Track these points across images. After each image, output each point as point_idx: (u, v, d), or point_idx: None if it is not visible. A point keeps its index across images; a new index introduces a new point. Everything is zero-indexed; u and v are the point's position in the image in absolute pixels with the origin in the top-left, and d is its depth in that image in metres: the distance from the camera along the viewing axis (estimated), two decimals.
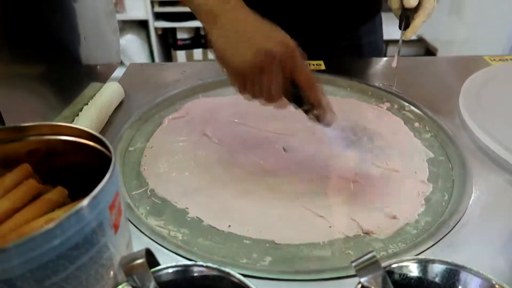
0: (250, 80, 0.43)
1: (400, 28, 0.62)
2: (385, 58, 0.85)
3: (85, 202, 0.25)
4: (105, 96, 0.62)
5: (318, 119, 0.47)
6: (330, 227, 0.44)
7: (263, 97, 0.44)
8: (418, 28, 0.59)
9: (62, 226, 0.24)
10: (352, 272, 0.37)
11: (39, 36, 0.53)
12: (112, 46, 0.73)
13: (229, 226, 0.44)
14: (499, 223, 0.44)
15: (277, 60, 0.41)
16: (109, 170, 0.27)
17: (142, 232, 0.42)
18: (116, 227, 0.28)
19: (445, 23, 2.39)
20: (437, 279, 0.29)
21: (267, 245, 0.42)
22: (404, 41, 0.63)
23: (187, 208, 0.47)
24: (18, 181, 0.31)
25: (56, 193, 0.32)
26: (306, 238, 0.42)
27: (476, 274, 0.28)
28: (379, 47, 0.92)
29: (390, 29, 0.89)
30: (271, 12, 0.74)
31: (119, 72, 0.78)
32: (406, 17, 0.60)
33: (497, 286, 0.26)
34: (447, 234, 0.41)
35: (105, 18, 0.70)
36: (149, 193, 0.49)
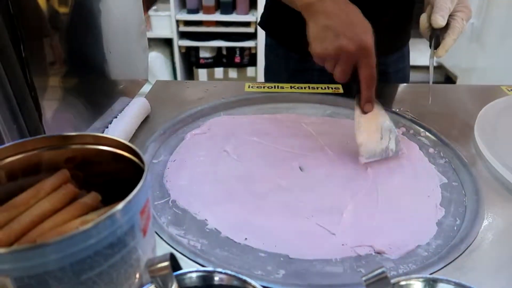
0: (327, 63, 0.55)
1: (430, 47, 0.63)
2: (404, 84, 0.87)
3: (120, 206, 0.27)
4: (133, 110, 0.66)
5: (359, 104, 0.58)
6: (342, 245, 0.45)
7: (334, 74, 0.56)
8: (450, 46, 0.60)
9: (98, 227, 0.26)
10: None
11: (75, 52, 0.57)
12: (141, 63, 0.77)
13: (246, 239, 0.46)
14: (509, 250, 0.44)
15: (349, 57, 0.52)
16: (142, 179, 0.30)
17: (164, 240, 0.45)
18: (144, 231, 0.30)
19: (466, 51, 2.40)
20: None
21: (281, 259, 0.44)
22: (434, 67, 0.65)
23: (206, 219, 0.49)
24: (57, 185, 0.34)
25: (91, 197, 0.35)
26: (319, 254, 0.44)
27: None
28: (406, 75, 0.94)
29: (415, 54, 0.91)
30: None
31: (145, 88, 0.82)
32: (436, 37, 0.61)
33: None
34: (457, 257, 0.42)
35: (136, 37, 0.74)
36: (171, 203, 0.51)
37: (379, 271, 0.30)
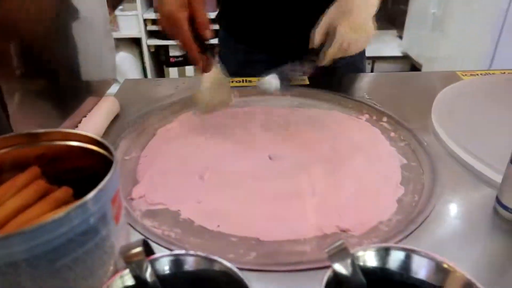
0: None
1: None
2: (368, 73, 0.91)
3: (91, 194, 0.29)
4: (102, 109, 0.67)
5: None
6: (310, 225, 0.48)
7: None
8: (327, 60, 0.64)
9: (70, 215, 0.28)
10: (327, 264, 0.42)
11: (41, 53, 0.57)
12: (109, 63, 0.78)
13: (218, 226, 0.48)
14: (463, 220, 0.48)
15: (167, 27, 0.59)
16: (112, 168, 0.31)
17: (138, 231, 0.46)
18: (117, 219, 0.32)
19: (429, 40, 2.48)
20: (396, 263, 0.34)
21: (253, 242, 0.46)
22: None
23: (179, 210, 0.50)
24: (29, 181, 0.35)
25: (62, 192, 0.36)
26: (288, 235, 0.46)
27: (426, 255, 0.32)
28: (359, 68, 0.96)
29: (381, 45, 0.94)
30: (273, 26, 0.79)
31: (114, 88, 0.82)
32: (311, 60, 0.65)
33: (444, 264, 0.31)
34: (415, 230, 0.46)
35: (103, 37, 0.74)
36: (144, 197, 0.53)
37: (339, 243, 0.33)
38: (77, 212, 0.27)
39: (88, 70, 0.70)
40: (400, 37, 2.87)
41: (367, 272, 0.34)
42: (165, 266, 0.34)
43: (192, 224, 0.49)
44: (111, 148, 0.34)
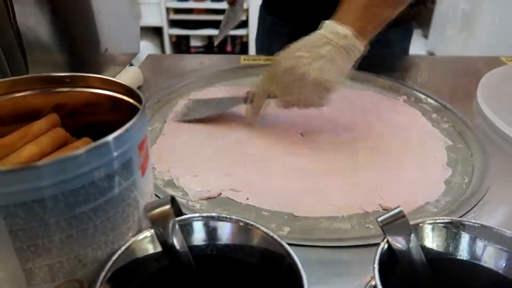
0: None
1: None
2: (404, 56, 0.85)
3: (115, 133, 0.25)
4: (124, 78, 0.63)
5: None
6: (349, 202, 0.43)
7: None
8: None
9: (91, 153, 0.23)
10: (373, 241, 0.37)
11: (62, 26, 0.53)
12: (133, 33, 0.74)
13: (247, 198, 0.44)
14: None
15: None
16: (139, 111, 0.27)
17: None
18: (143, 170, 0.28)
19: (457, 40, 2.40)
20: (467, 243, 0.29)
21: (286, 217, 0.42)
22: None
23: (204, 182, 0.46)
24: (46, 129, 0.32)
25: (83, 142, 0.32)
26: (325, 212, 0.42)
27: (504, 232, 0.27)
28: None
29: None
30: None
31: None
32: None
33: None
34: (469, 211, 0.41)
35: (128, 4, 0.71)
36: (167, 168, 0.49)
37: (396, 211, 0.28)
38: (98, 152, 0.24)
39: (111, 37, 0.66)
40: (425, 36, 2.79)
41: (429, 250, 0.29)
42: (194, 230, 0.30)
43: (219, 196, 0.45)
44: (139, 92, 0.30)
